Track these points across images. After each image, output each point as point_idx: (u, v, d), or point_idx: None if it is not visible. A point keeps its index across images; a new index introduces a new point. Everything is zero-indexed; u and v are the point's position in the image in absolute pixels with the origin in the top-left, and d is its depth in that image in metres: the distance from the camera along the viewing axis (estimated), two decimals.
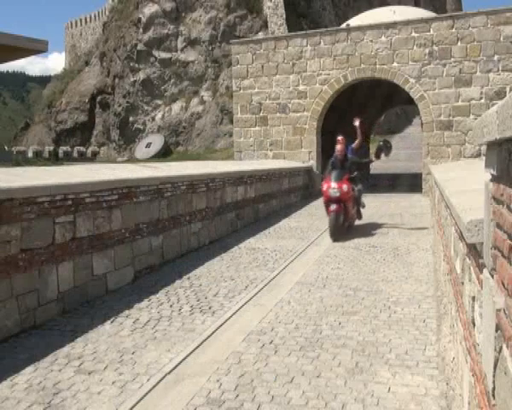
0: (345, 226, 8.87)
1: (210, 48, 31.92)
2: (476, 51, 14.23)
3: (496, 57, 14.03)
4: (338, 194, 8.41)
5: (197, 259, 7.30)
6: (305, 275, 6.30)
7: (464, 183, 5.50)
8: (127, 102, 34.07)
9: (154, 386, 3.37)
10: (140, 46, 33.41)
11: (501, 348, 1.59)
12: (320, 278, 6.10)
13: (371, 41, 15.40)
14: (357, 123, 9.65)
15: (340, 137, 9.14)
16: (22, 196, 4.43)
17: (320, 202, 14.70)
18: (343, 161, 8.91)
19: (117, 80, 34.99)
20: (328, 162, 9.30)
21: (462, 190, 4.23)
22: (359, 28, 15.78)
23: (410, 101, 16.13)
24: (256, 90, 16.97)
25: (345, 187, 8.49)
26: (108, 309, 5.02)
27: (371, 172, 23.53)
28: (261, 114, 16.96)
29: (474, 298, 2.37)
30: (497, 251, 1.72)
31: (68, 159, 32.52)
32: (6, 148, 37.05)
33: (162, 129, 32.80)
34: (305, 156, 16.48)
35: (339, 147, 8.91)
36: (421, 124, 15.72)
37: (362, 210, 9.66)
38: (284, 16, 28.99)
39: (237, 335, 4.28)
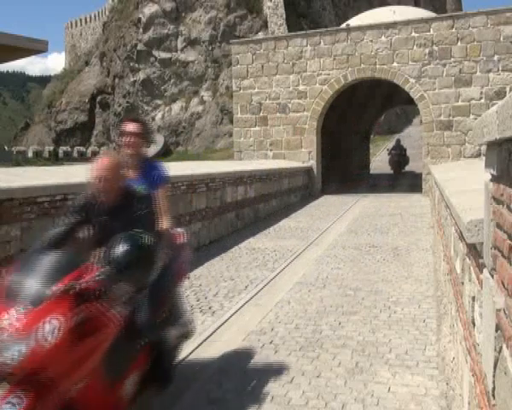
0: None
1: (210, 48, 31.91)
2: (476, 51, 14.23)
3: (496, 57, 14.02)
4: (13, 362, 1.95)
5: (197, 259, 7.29)
6: (304, 275, 6.29)
7: (464, 183, 5.50)
8: (127, 102, 34.06)
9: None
10: (140, 46, 33.40)
11: (501, 348, 1.59)
12: (320, 278, 6.09)
13: (371, 41, 15.39)
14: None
15: (128, 133, 3.21)
16: (22, 196, 4.43)
17: (320, 201, 14.77)
18: (117, 211, 2.68)
19: (117, 80, 34.99)
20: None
21: (462, 190, 4.23)
22: (359, 28, 15.77)
23: (410, 101, 16.13)
24: (256, 90, 16.96)
25: (49, 329, 2.06)
26: None
27: (371, 172, 23.55)
28: (261, 114, 16.96)
29: (474, 298, 2.37)
30: (497, 251, 1.72)
31: (68, 159, 32.51)
32: (6, 148, 37.01)
33: (162, 129, 32.79)
34: (305, 156, 16.48)
35: (96, 170, 2.63)
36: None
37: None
38: (284, 16, 28.98)
39: (237, 335, 4.27)
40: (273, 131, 16.88)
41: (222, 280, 6.10)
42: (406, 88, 15.14)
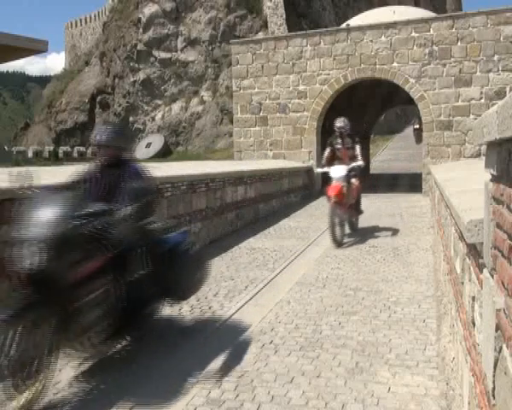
0: None
1: (210, 48, 31.91)
2: (476, 51, 14.22)
3: (496, 57, 14.02)
4: None
5: None
6: (305, 275, 6.29)
7: (464, 183, 5.50)
8: (127, 102, 34.05)
9: (153, 386, 3.36)
10: (140, 46, 33.39)
11: (501, 348, 1.59)
12: (320, 278, 6.09)
13: (371, 41, 15.39)
14: None
15: None
16: (22, 196, 4.42)
17: (320, 201, 14.74)
18: None
19: (117, 80, 34.97)
20: None
21: (462, 190, 4.23)
22: (359, 28, 15.77)
23: (410, 101, 16.12)
24: (256, 90, 16.96)
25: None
26: None
27: (371, 172, 23.55)
28: (261, 114, 16.95)
29: (474, 298, 2.37)
30: (497, 251, 1.72)
31: (68, 159, 32.48)
32: (6, 148, 36.96)
33: (162, 129, 32.78)
34: (305, 156, 16.48)
35: None
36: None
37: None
38: (284, 16, 28.97)
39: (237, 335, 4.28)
40: (273, 131, 16.88)
41: (222, 280, 6.10)
42: (406, 88, 15.13)
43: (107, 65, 37.16)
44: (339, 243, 7.86)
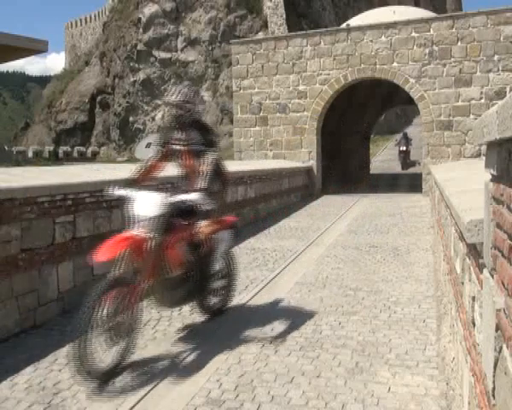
0: None
1: (210, 48, 31.92)
2: (476, 51, 14.23)
3: (496, 57, 14.02)
4: None
5: None
6: (305, 275, 6.29)
7: (464, 183, 5.50)
8: (127, 102, 34.06)
9: (154, 386, 3.37)
10: (140, 46, 33.41)
11: (501, 348, 1.59)
12: (320, 278, 6.09)
13: (371, 41, 15.39)
14: None
15: None
16: (22, 196, 4.43)
17: (320, 201, 14.77)
18: None
19: (117, 80, 34.99)
20: None
21: (462, 190, 4.23)
22: (359, 28, 15.77)
23: (410, 101, 16.12)
24: (256, 90, 16.97)
25: None
26: None
27: (371, 172, 23.58)
28: (261, 114, 16.95)
29: (474, 298, 2.37)
30: (497, 251, 1.72)
31: (68, 159, 32.49)
32: (6, 148, 36.97)
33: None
34: (305, 156, 16.48)
35: None
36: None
37: None
38: (284, 16, 28.99)
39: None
40: (273, 131, 16.88)
41: None
42: (406, 88, 15.14)
43: (107, 65, 37.18)
44: (97, 376, 3.27)
